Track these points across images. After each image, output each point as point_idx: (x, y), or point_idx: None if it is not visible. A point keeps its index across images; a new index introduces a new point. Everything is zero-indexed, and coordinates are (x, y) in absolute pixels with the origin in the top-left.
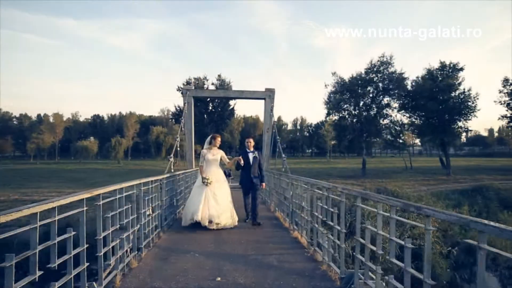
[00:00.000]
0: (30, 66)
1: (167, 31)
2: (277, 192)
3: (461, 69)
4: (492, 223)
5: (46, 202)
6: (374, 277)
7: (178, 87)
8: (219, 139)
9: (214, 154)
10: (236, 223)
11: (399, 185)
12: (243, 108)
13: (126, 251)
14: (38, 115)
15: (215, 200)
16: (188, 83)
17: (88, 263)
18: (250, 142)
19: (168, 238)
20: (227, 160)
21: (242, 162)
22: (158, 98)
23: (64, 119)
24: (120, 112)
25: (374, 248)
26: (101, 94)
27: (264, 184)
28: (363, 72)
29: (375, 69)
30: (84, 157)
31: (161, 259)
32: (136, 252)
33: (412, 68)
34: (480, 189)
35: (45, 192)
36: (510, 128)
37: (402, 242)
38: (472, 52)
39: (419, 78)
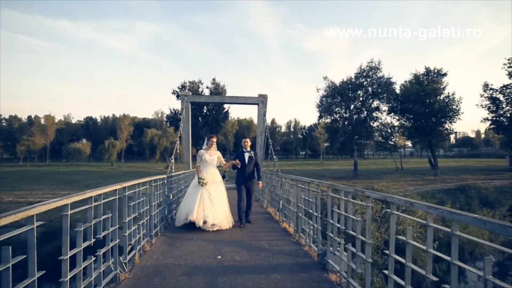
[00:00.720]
0: (22, 67)
1: (162, 33)
2: (269, 190)
3: (445, 74)
4: (423, 203)
5: (87, 192)
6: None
7: (173, 90)
8: (214, 139)
9: (211, 155)
10: (231, 225)
11: (386, 185)
12: (237, 111)
13: (142, 236)
14: (29, 117)
15: (210, 201)
16: (183, 86)
17: (118, 240)
18: (247, 142)
19: (172, 229)
20: (224, 162)
21: (239, 165)
22: (152, 101)
23: (56, 121)
24: (113, 114)
25: (339, 225)
26: (94, 96)
27: (260, 182)
28: (353, 76)
29: (364, 73)
30: (76, 159)
31: (169, 244)
32: (148, 238)
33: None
34: (463, 189)
35: (40, 194)
36: (491, 130)
37: (354, 217)
38: (466, 54)
39: (407, 83)
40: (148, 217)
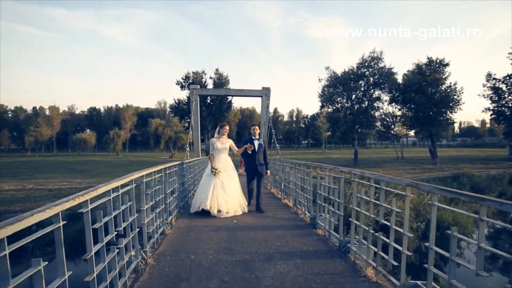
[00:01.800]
0: (22, 59)
1: (162, 23)
2: (271, 173)
3: (447, 64)
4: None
5: (107, 184)
6: (327, 215)
7: (177, 81)
8: (226, 127)
9: (223, 143)
10: (246, 210)
11: (384, 173)
12: (239, 100)
13: (165, 217)
14: (34, 108)
15: (223, 190)
16: (187, 77)
17: (138, 229)
18: (256, 129)
19: (187, 215)
20: (236, 149)
21: (250, 149)
22: (154, 91)
23: (60, 111)
24: (116, 105)
25: (325, 194)
26: (96, 87)
27: (268, 171)
28: (355, 66)
29: (366, 64)
30: (82, 149)
31: (189, 219)
32: (170, 218)
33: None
34: (458, 177)
35: (56, 182)
36: (494, 120)
37: (333, 186)
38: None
39: (409, 72)
40: (166, 203)
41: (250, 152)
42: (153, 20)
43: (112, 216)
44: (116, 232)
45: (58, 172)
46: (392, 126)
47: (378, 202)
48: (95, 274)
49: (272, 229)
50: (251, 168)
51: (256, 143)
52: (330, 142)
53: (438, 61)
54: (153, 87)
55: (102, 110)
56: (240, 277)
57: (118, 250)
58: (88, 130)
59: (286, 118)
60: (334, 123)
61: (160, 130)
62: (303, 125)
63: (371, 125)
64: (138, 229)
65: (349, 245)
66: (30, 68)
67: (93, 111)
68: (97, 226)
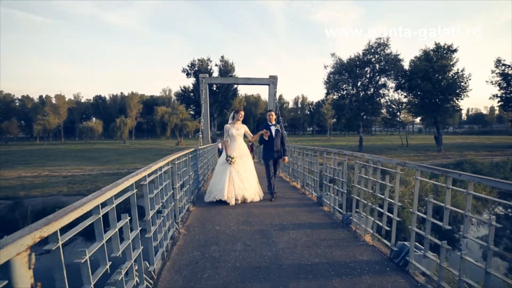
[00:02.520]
0: (26, 46)
1: (164, 7)
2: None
3: (455, 50)
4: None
5: (151, 165)
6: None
7: (183, 68)
8: (242, 113)
9: (238, 129)
10: (262, 197)
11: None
12: (244, 87)
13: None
14: (40, 97)
15: (239, 179)
16: (192, 64)
17: (173, 203)
18: (272, 115)
19: (201, 202)
20: (251, 135)
21: (267, 135)
22: (159, 78)
23: (66, 100)
24: (121, 93)
25: (330, 175)
26: (100, 75)
27: (286, 158)
28: (361, 53)
29: (372, 50)
30: (89, 137)
31: (207, 206)
32: (192, 197)
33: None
34: (461, 163)
35: (69, 169)
36: (501, 107)
37: (337, 167)
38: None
39: (416, 59)
40: (190, 184)
41: (266, 139)
42: (155, 5)
43: (159, 189)
44: (162, 203)
45: (69, 160)
46: (398, 113)
47: (375, 179)
48: (151, 233)
49: (283, 206)
50: (268, 155)
51: (273, 129)
52: (335, 129)
53: (445, 47)
54: (158, 75)
55: (107, 98)
56: (260, 241)
57: (162, 218)
58: (94, 118)
59: (291, 105)
60: (340, 110)
61: (166, 118)
62: (308, 112)
63: (377, 112)
64: (173, 203)
65: (351, 217)
66: (34, 56)
67: (98, 99)
68: (152, 195)
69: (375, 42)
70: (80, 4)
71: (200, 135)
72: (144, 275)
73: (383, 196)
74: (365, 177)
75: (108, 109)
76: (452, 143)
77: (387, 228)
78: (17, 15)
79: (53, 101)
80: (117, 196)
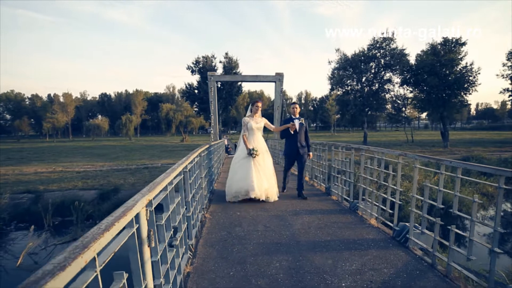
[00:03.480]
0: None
1: (167, 3)
2: None
3: (464, 43)
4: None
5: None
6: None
7: (188, 66)
8: (259, 104)
9: (258, 122)
10: (277, 198)
11: (391, 155)
12: (247, 84)
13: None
14: (49, 95)
15: (264, 174)
16: (197, 62)
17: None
18: (296, 107)
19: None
20: (272, 126)
21: (293, 128)
22: (163, 75)
23: (73, 98)
24: (126, 90)
25: (338, 167)
26: (105, 72)
27: (311, 153)
28: (366, 48)
29: (377, 45)
30: (96, 134)
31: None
32: (211, 187)
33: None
34: (467, 159)
35: (81, 165)
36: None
37: (344, 159)
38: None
39: (423, 53)
40: (210, 174)
41: (292, 132)
42: (158, 1)
43: (192, 179)
44: (194, 190)
45: (79, 156)
46: (403, 109)
47: (380, 169)
48: (190, 212)
49: (294, 196)
50: (292, 151)
51: (296, 122)
52: (339, 125)
53: (454, 40)
54: (161, 72)
55: (112, 95)
56: (278, 224)
57: (195, 202)
58: (100, 116)
59: (294, 101)
60: (344, 106)
61: (171, 115)
62: (312, 108)
63: (382, 108)
64: (200, 191)
65: (358, 204)
66: (40, 55)
67: (104, 96)
68: (191, 181)
69: (381, 37)
70: (82, 2)
71: (211, 131)
72: (188, 245)
73: (387, 184)
74: (370, 167)
75: (114, 107)
76: (459, 138)
77: (390, 211)
78: (19, 13)
79: (61, 99)
80: (175, 178)
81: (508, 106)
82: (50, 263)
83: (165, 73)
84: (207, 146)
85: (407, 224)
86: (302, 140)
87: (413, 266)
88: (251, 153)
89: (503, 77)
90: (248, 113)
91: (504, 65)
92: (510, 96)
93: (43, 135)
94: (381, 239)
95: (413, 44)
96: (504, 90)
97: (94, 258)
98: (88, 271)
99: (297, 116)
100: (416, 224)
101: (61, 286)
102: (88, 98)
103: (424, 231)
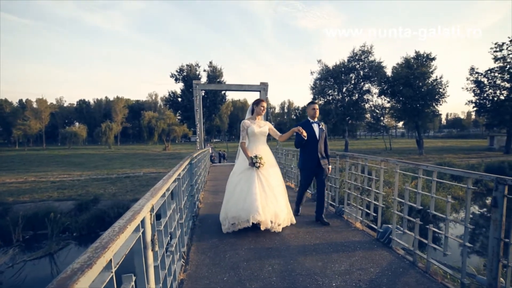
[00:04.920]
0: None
1: (150, 11)
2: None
3: (433, 58)
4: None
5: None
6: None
7: (172, 74)
8: (264, 104)
9: (261, 126)
10: (294, 221)
11: (372, 162)
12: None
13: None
14: (20, 101)
15: (271, 191)
16: (181, 70)
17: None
18: (315, 108)
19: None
20: (279, 134)
21: (304, 134)
22: (145, 83)
23: (48, 104)
24: (106, 97)
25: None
26: (84, 78)
27: (330, 166)
28: (346, 60)
29: (356, 57)
30: (73, 142)
31: (213, 194)
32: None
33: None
34: (439, 165)
35: (56, 174)
36: (476, 112)
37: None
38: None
39: (398, 65)
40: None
41: (305, 138)
42: (141, 8)
43: (185, 186)
44: (186, 198)
45: (54, 166)
46: (382, 118)
47: (363, 175)
48: (183, 219)
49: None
50: (311, 163)
51: (316, 127)
52: None
53: (425, 55)
54: (144, 79)
55: (91, 102)
56: (267, 230)
57: (186, 209)
58: (77, 123)
59: (277, 110)
60: (326, 115)
61: (153, 123)
62: (294, 117)
63: (361, 117)
64: (191, 199)
65: (343, 209)
66: (12, 58)
67: (82, 103)
68: (183, 188)
69: (359, 50)
70: (62, 5)
71: (197, 139)
72: (181, 252)
73: (370, 189)
74: (354, 173)
75: (93, 114)
76: (433, 146)
77: (374, 215)
78: None
79: (34, 105)
80: (171, 184)
81: (473, 117)
82: (77, 262)
83: (148, 80)
84: (196, 154)
85: (390, 226)
86: (322, 150)
87: (396, 265)
88: (254, 162)
89: (467, 90)
90: (248, 115)
91: (467, 79)
92: (474, 107)
93: (11, 143)
94: (367, 241)
95: (391, 57)
96: (468, 101)
97: (111, 259)
98: (104, 272)
99: (316, 120)
100: (398, 226)
101: (88, 283)
102: (65, 105)
103: (406, 231)
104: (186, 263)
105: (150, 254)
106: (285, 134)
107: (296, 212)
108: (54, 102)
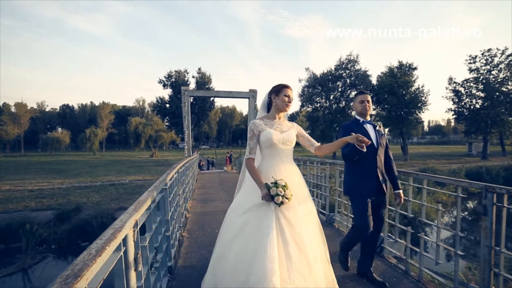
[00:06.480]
0: None
1: (137, 15)
2: None
3: (415, 68)
4: None
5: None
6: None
7: (160, 79)
8: (290, 92)
9: (284, 130)
10: (336, 286)
11: None
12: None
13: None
14: None
15: (300, 251)
16: (169, 76)
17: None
18: (366, 101)
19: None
20: (316, 143)
21: (367, 142)
22: (131, 88)
23: (28, 108)
24: (91, 102)
25: (314, 182)
26: (67, 83)
27: (401, 191)
28: (333, 68)
29: (343, 66)
30: (55, 149)
31: (202, 200)
32: (187, 205)
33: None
34: (424, 170)
35: (34, 182)
36: (455, 120)
37: (320, 174)
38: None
39: (383, 74)
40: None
41: (364, 150)
42: (127, 11)
43: (171, 196)
44: (173, 208)
45: (33, 173)
46: None
47: None
48: (170, 232)
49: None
50: (367, 187)
51: (371, 130)
52: None
53: (407, 65)
54: (131, 84)
55: (76, 107)
56: None
57: (173, 221)
58: (60, 128)
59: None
60: (314, 122)
61: (141, 129)
62: None
63: None
64: (178, 209)
65: (334, 217)
66: None
67: (65, 108)
68: (170, 199)
69: (346, 59)
70: (43, 6)
71: (185, 146)
72: (167, 267)
73: None
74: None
75: (77, 119)
76: (417, 152)
77: None
78: None
79: (12, 109)
80: (157, 195)
81: (452, 124)
82: None
83: (135, 86)
84: (184, 161)
85: (381, 234)
86: (382, 165)
87: (389, 274)
88: (272, 194)
89: (447, 99)
90: (262, 112)
91: (446, 88)
92: (453, 115)
93: None
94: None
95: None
96: (448, 109)
97: None
98: None
99: (368, 118)
100: (389, 234)
101: None
102: (47, 109)
103: (397, 239)
104: (172, 279)
105: (133, 274)
106: (328, 145)
107: (344, 266)
108: (35, 107)
